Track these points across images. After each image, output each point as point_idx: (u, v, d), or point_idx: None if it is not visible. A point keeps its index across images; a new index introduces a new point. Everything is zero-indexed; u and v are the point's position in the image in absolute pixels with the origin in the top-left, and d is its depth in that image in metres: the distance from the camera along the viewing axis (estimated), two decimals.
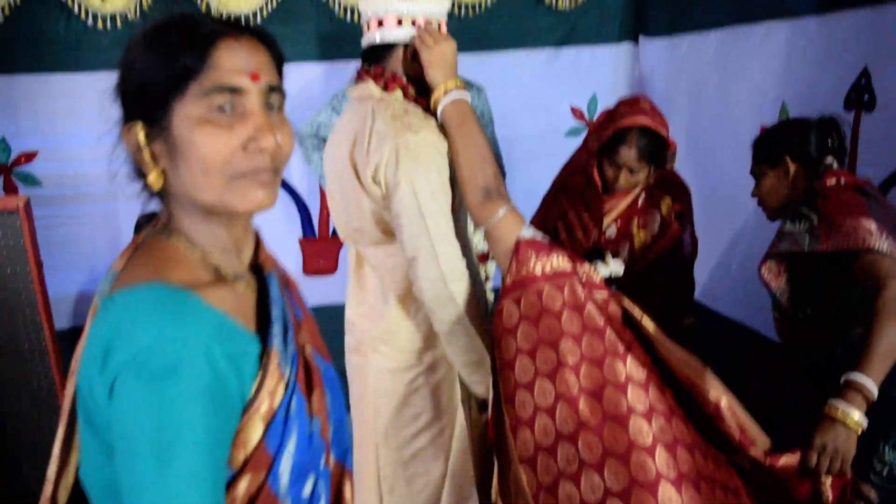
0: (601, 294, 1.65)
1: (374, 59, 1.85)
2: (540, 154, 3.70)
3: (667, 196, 2.50)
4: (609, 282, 1.87)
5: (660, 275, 2.47)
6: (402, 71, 1.83)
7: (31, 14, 2.98)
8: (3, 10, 2.91)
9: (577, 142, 3.81)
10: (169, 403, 0.82)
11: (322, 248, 3.56)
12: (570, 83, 3.80)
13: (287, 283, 1.19)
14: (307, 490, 1.01)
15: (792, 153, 2.09)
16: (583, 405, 1.48)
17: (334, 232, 3.55)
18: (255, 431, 0.92)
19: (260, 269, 1.10)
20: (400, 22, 1.79)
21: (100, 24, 2.99)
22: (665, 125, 2.35)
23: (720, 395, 1.53)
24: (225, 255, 1.04)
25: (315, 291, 3.57)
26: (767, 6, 3.05)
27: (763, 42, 3.10)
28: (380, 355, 1.92)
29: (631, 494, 1.40)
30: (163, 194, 1.01)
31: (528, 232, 1.69)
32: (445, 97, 1.75)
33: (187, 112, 0.93)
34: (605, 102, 3.85)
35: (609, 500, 1.42)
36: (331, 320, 3.55)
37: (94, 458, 0.93)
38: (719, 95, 3.38)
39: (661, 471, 1.41)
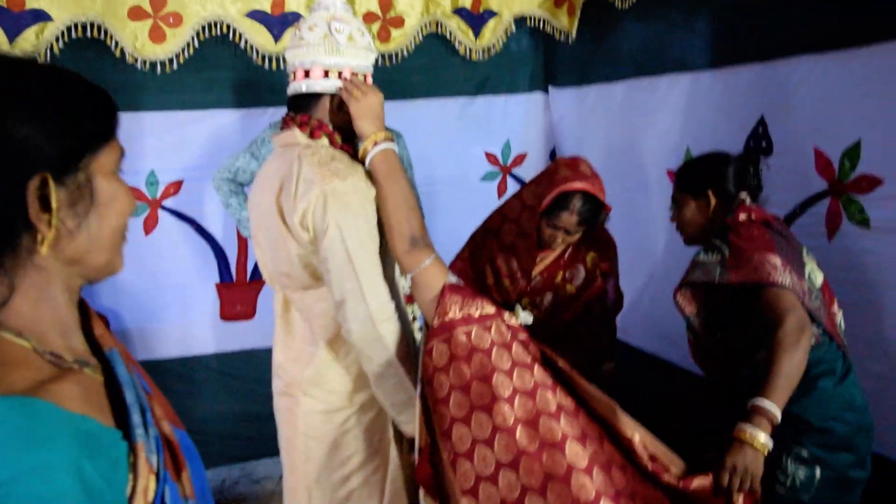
0: (523, 335, 1.73)
1: (300, 107, 1.89)
2: (457, 197, 3.81)
3: (592, 251, 2.58)
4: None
5: (583, 324, 2.54)
6: (328, 119, 1.88)
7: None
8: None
9: (492, 186, 3.95)
10: None
11: (240, 293, 3.53)
12: (484, 130, 3.93)
13: (127, 357, 1.02)
14: None
15: (715, 188, 2.22)
16: (520, 434, 1.55)
17: (252, 277, 3.53)
18: None
19: (97, 346, 0.98)
20: (327, 73, 1.84)
21: None
22: (603, 189, 2.37)
23: (633, 431, 1.63)
24: (64, 338, 0.91)
25: (233, 337, 3.55)
26: (667, 61, 3.25)
27: (666, 93, 3.28)
28: (310, 398, 1.93)
29: None
30: (9, 269, 0.86)
31: (453, 279, 1.76)
32: (374, 148, 1.80)
33: (103, 164, 0.91)
34: (518, 148, 3.99)
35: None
36: (248, 365, 3.56)
37: None
38: (627, 142, 3.54)
39: (599, 489, 1.49)
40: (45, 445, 0.73)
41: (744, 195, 2.20)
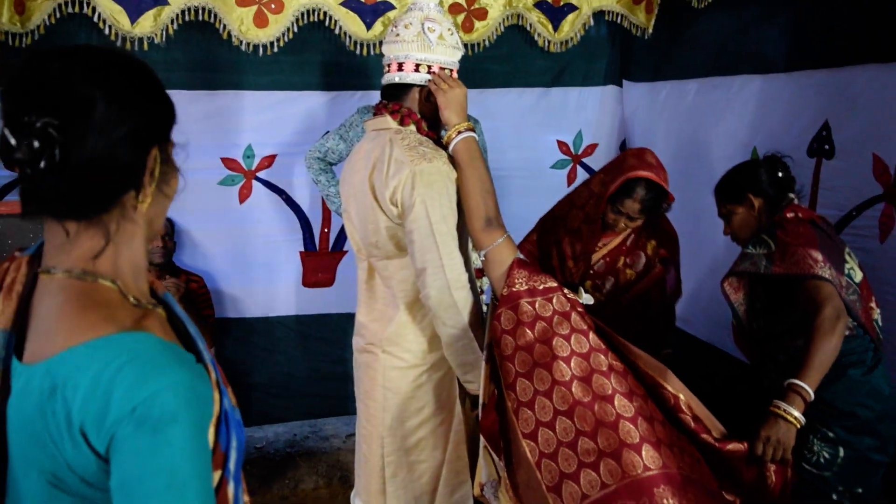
0: (580, 307, 1.94)
1: (393, 96, 2.13)
2: (528, 183, 4.00)
3: (654, 239, 2.75)
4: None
5: (641, 309, 2.73)
6: (416, 108, 2.11)
7: (64, 33, 3.21)
8: (38, 28, 3.14)
9: (562, 174, 4.12)
10: (177, 449, 0.88)
11: (321, 261, 3.79)
12: (558, 120, 4.09)
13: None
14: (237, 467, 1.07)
15: (752, 190, 2.40)
16: (575, 387, 1.77)
17: (333, 247, 3.80)
18: (212, 437, 0.96)
19: (153, 291, 1.11)
20: (418, 67, 2.07)
21: (127, 45, 3.22)
22: (667, 180, 2.58)
23: (679, 391, 1.82)
24: (137, 284, 1.03)
25: (312, 302, 3.82)
26: (743, 61, 3.36)
27: (738, 93, 3.40)
28: (389, 354, 2.17)
29: (621, 454, 1.68)
30: (109, 222, 0.99)
31: (521, 256, 1.97)
32: (457, 136, 2.03)
33: (171, 147, 1.07)
34: (590, 139, 4.15)
35: (602, 460, 1.70)
36: (325, 329, 3.82)
37: None
38: (695, 138, 3.67)
39: (643, 436, 1.70)
40: (170, 368, 0.91)
41: (791, 196, 2.37)
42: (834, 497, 2.17)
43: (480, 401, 1.99)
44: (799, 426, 1.93)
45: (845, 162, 2.79)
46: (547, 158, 4.13)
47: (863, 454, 2.15)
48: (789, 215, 2.29)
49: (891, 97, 2.61)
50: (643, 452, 1.69)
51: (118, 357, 0.89)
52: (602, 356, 1.83)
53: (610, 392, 1.77)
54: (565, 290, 1.95)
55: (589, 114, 4.14)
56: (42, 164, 0.91)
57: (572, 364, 1.81)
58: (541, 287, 1.92)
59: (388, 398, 2.18)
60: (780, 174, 2.40)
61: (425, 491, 2.22)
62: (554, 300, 1.91)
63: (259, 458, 3.67)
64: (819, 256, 2.12)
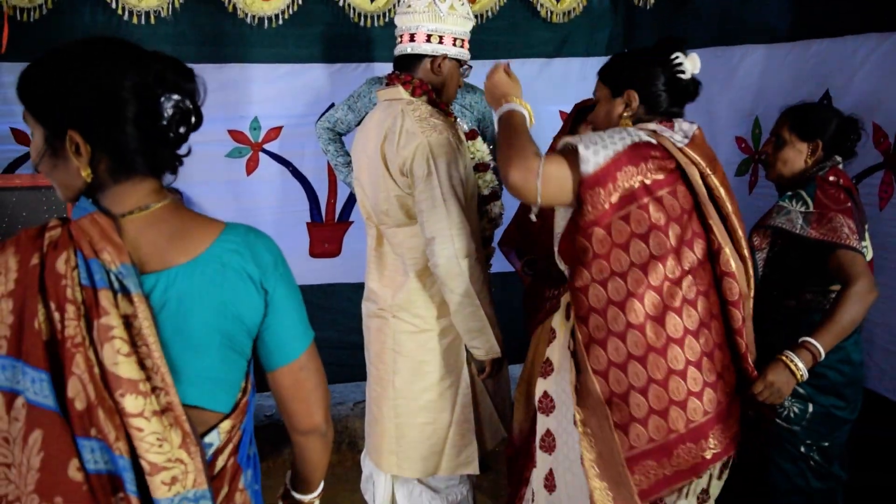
0: (662, 191, 1.87)
1: (404, 67, 2.17)
2: None
3: None
4: None
5: None
6: (428, 79, 2.15)
7: (71, 8, 3.24)
8: (46, 3, 3.16)
9: None
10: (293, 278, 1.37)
11: (328, 232, 3.84)
12: (561, 90, 4.11)
13: None
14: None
15: (824, 138, 2.34)
16: (649, 330, 1.84)
17: (339, 218, 3.84)
18: None
19: None
20: (429, 38, 2.12)
21: (134, 20, 3.25)
22: None
23: (746, 317, 1.97)
24: None
25: (320, 272, 3.86)
26: (745, 31, 3.39)
27: (740, 62, 3.43)
28: (399, 319, 2.24)
29: (686, 403, 1.85)
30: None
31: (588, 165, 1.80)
32: (498, 111, 2.05)
33: None
34: None
35: (671, 406, 1.84)
36: (332, 298, 3.88)
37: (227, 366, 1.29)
38: (699, 107, 3.68)
39: (706, 380, 1.87)
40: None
41: (838, 158, 2.36)
42: (802, 449, 2.29)
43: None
44: (799, 379, 2.02)
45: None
46: (549, 129, 4.15)
47: (829, 411, 2.26)
48: (831, 178, 2.29)
49: (890, 66, 2.65)
50: (704, 398, 1.85)
51: (244, 231, 1.28)
52: (676, 287, 1.85)
53: (681, 334, 1.84)
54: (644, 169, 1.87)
55: (591, 84, 4.14)
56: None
57: (646, 302, 1.84)
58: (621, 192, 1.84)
59: (398, 361, 2.25)
60: (852, 138, 2.36)
61: (433, 451, 2.30)
62: (631, 216, 1.85)
63: (269, 424, 3.75)
64: (853, 226, 2.16)
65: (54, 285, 1.14)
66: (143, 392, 1.13)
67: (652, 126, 1.92)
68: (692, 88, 2.04)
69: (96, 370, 1.13)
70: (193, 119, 1.24)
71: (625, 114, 2.01)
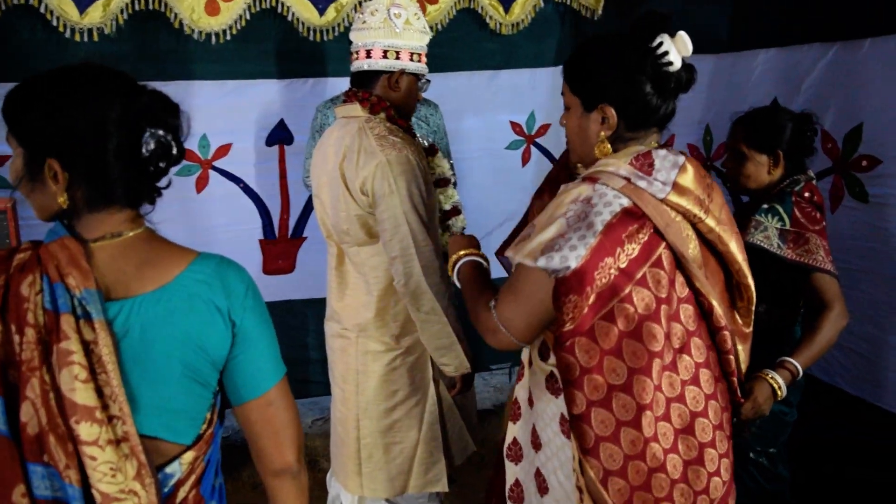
0: (643, 269, 1.55)
1: (361, 83, 2.15)
2: (485, 164, 4.05)
3: None
4: None
5: None
6: (386, 95, 2.13)
7: (10, 25, 3.14)
8: None
9: (517, 154, 4.18)
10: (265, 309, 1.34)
11: (281, 249, 3.78)
12: (510, 101, 4.13)
13: None
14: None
15: (782, 147, 2.29)
16: (661, 433, 1.57)
17: (293, 234, 3.79)
18: None
19: None
20: (385, 54, 2.10)
21: (77, 37, 3.16)
22: None
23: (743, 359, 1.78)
24: None
25: (274, 289, 3.80)
26: (694, 42, 3.42)
27: None
28: (363, 339, 2.21)
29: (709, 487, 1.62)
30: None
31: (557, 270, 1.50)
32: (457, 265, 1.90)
33: None
34: (542, 119, 4.20)
35: (699, 497, 1.61)
36: (287, 315, 3.83)
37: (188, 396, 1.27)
38: None
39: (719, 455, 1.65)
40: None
41: (811, 173, 2.34)
42: (751, 455, 2.36)
43: None
44: (780, 397, 2.07)
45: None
46: (501, 140, 4.17)
47: (777, 416, 2.30)
48: (806, 194, 2.27)
49: (834, 75, 2.73)
50: (721, 469, 1.64)
51: (216, 262, 1.28)
52: (673, 374, 1.58)
53: (688, 421, 1.59)
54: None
55: (541, 94, 4.18)
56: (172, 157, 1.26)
57: (656, 409, 1.56)
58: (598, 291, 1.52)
59: (363, 382, 2.22)
60: (809, 136, 2.33)
61: (401, 471, 2.27)
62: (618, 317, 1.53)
63: (225, 446, 3.64)
64: (828, 247, 2.20)
65: (16, 308, 1.14)
66: (99, 420, 1.12)
67: (622, 170, 1.55)
68: (685, 78, 1.59)
69: (51, 395, 1.12)
70: (175, 153, 1.25)
71: (602, 133, 1.63)
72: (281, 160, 3.67)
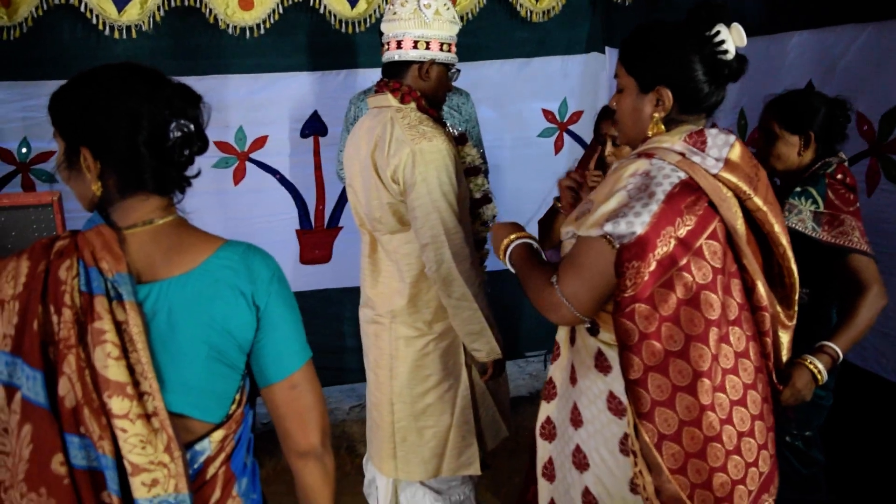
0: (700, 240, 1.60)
1: (393, 74, 2.18)
2: (517, 152, 4.07)
3: None
4: None
5: None
6: (416, 85, 2.16)
7: (52, 24, 3.23)
8: (26, 21, 3.15)
9: (549, 142, 4.19)
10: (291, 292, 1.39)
11: (318, 239, 3.85)
12: (543, 88, 4.14)
13: None
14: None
15: (815, 129, 2.29)
16: (717, 403, 1.61)
17: (328, 224, 3.85)
18: None
19: None
20: (416, 44, 2.13)
21: (115, 34, 3.24)
22: None
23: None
24: None
25: (311, 278, 3.88)
26: None
27: None
28: (396, 325, 2.26)
29: (745, 478, 1.65)
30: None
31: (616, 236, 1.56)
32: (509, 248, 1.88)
33: None
34: (575, 106, 4.21)
35: (750, 469, 1.65)
36: (324, 304, 3.89)
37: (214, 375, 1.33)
38: None
39: (759, 444, 1.68)
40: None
41: (843, 156, 2.33)
42: (787, 439, 2.35)
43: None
44: (821, 381, 2.04)
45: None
46: (534, 127, 4.18)
47: (813, 400, 2.23)
48: (839, 176, 2.26)
49: (868, 56, 2.69)
50: (769, 443, 1.70)
51: (243, 249, 1.34)
52: (727, 346, 1.62)
53: (741, 394, 1.64)
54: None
55: (573, 81, 4.19)
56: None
57: (714, 376, 1.59)
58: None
59: (397, 367, 2.27)
60: (841, 122, 2.32)
61: (434, 454, 2.32)
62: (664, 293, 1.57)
63: (266, 432, 3.72)
64: (863, 228, 2.18)
65: (55, 290, 1.22)
66: (130, 395, 1.19)
67: (678, 146, 1.61)
68: (737, 67, 1.67)
69: (86, 371, 1.20)
70: (199, 143, 1.32)
71: (655, 114, 1.68)
72: (315, 151, 3.74)
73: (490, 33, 3.91)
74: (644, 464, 1.62)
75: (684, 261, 1.55)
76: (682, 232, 1.54)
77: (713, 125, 1.74)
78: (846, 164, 2.32)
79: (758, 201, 1.64)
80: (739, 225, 1.64)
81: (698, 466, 1.59)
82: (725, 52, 1.62)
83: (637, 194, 1.55)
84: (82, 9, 3.16)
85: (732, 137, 1.65)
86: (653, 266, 1.53)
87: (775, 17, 3.14)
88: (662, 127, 1.68)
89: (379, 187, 2.12)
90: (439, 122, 2.19)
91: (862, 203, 2.68)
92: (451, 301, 2.13)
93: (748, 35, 3.07)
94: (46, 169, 3.39)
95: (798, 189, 2.25)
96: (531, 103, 4.14)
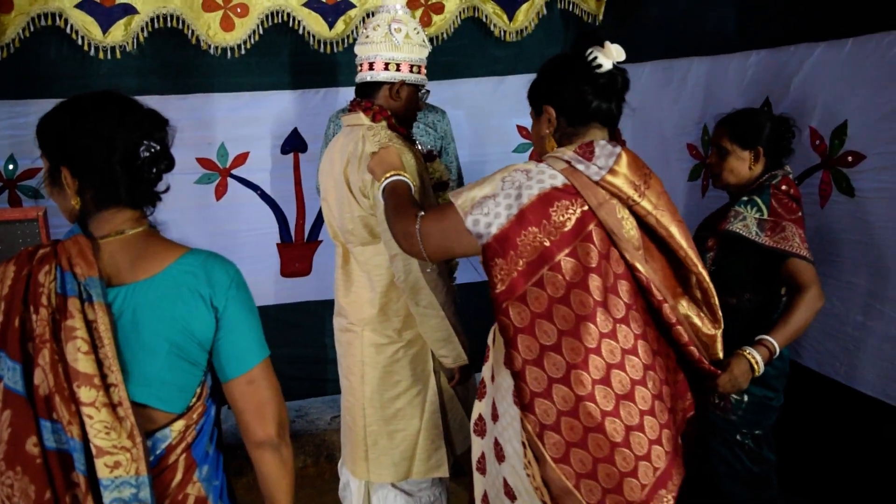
0: (573, 244, 1.72)
1: (365, 94, 2.30)
2: (492, 167, 4.13)
3: None
4: None
5: None
6: (387, 105, 2.28)
7: (39, 46, 3.33)
8: (13, 42, 3.25)
9: (524, 157, 4.29)
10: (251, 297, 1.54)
11: (298, 252, 3.94)
12: (516, 106, 4.23)
13: None
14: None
15: (763, 144, 2.47)
16: (599, 396, 1.69)
17: (308, 238, 3.95)
18: None
19: None
20: (387, 66, 2.25)
21: (101, 55, 3.34)
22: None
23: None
24: None
25: (291, 291, 3.97)
26: (690, 44, 3.57)
27: (688, 73, 3.61)
28: (367, 333, 2.36)
29: (637, 470, 1.71)
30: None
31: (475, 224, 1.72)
32: (383, 182, 2.06)
33: None
34: None
35: (625, 480, 1.70)
36: (304, 315, 3.98)
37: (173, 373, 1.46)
38: (654, 116, 3.87)
39: (651, 439, 1.74)
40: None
41: (788, 168, 2.51)
42: (738, 437, 2.47)
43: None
44: (757, 373, 2.16)
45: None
46: (510, 143, 4.30)
47: (762, 401, 2.44)
48: (784, 187, 2.43)
49: (820, 73, 2.82)
50: (663, 439, 1.75)
51: (204, 256, 1.48)
52: (612, 342, 1.71)
53: (629, 389, 1.71)
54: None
55: None
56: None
57: (591, 369, 1.69)
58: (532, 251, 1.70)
59: (368, 373, 2.37)
60: (788, 137, 2.51)
61: (405, 457, 2.42)
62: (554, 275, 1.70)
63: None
64: (804, 235, 2.33)
65: (34, 292, 1.38)
66: (97, 385, 1.34)
67: (567, 155, 1.77)
68: (619, 80, 1.84)
69: (59, 364, 1.35)
70: (165, 161, 1.49)
71: (546, 132, 1.90)
72: (296, 167, 3.84)
73: (466, 52, 4.03)
74: (532, 454, 1.74)
75: (555, 260, 1.68)
76: (555, 235, 1.68)
77: (615, 138, 1.90)
78: (791, 176, 2.48)
79: (646, 205, 1.77)
80: (627, 229, 1.75)
81: (581, 456, 1.69)
82: (600, 66, 1.80)
83: (507, 189, 1.71)
84: (68, 30, 3.27)
85: (619, 149, 1.78)
86: (521, 265, 1.67)
87: (736, 37, 3.28)
88: (554, 143, 1.88)
89: (351, 201, 2.22)
90: (409, 139, 2.30)
91: (815, 214, 2.82)
92: (419, 309, 2.23)
93: (712, 54, 3.22)
94: (32, 185, 3.48)
95: (745, 198, 2.42)
96: (507, 120, 4.25)
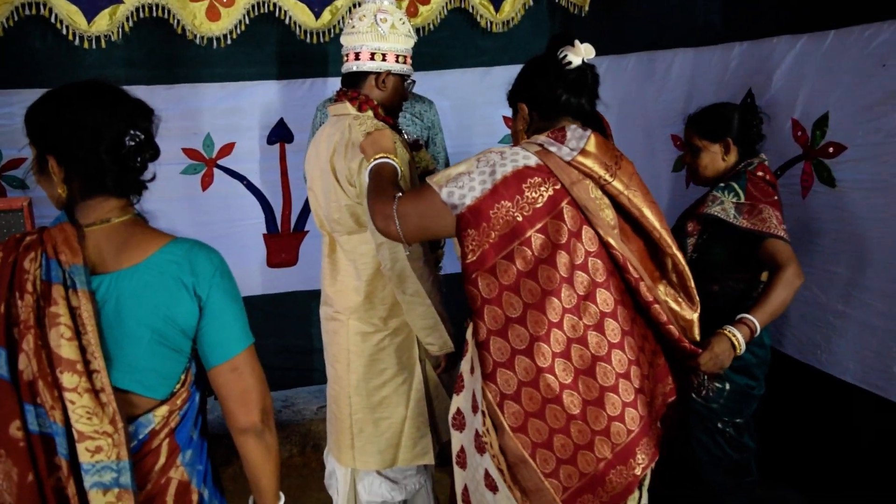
0: (544, 220, 1.80)
1: (351, 84, 2.31)
2: None
3: None
4: None
5: None
6: (373, 95, 2.29)
7: (23, 35, 3.31)
8: None
9: None
10: (236, 286, 1.55)
11: (284, 242, 3.95)
12: (502, 96, 4.26)
13: None
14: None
15: (733, 135, 2.55)
16: (559, 369, 1.77)
17: (295, 228, 3.96)
18: None
19: None
20: (373, 56, 2.26)
21: (85, 44, 3.33)
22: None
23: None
24: None
25: (278, 281, 3.98)
26: (674, 36, 3.60)
27: (672, 65, 3.64)
28: (353, 322, 2.37)
29: (609, 429, 1.79)
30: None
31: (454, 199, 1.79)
32: (371, 163, 2.07)
33: None
34: None
35: (596, 437, 1.79)
36: (293, 305, 3.99)
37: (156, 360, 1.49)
38: (638, 107, 3.90)
39: (624, 401, 1.81)
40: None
41: (763, 156, 2.57)
42: (719, 425, 2.52)
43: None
44: (738, 352, 2.19)
45: (767, 126, 3.02)
46: (497, 133, 4.31)
47: (743, 389, 2.49)
48: (759, 173, 2.50)
49: (802, 65, 2.86)
50: (626, 417, 1.80)
51: (188, 245, 1.50)
52: (575, 317, 1.78)
53: (590, 363, 1.78)
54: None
55: None
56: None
57: (552, 341, 1.76)
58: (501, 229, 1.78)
59: (353, 361, 2.39)
60: (755, 124, 2.59)
61: (390, 444, 2.44)
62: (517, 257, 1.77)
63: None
64: (780, 217, 2.38)
65: (20, 278, 1.40)
66: (80, 371, 1.36)
67: (541, 139, 1.85)
68: (589, 76, 1.96)
69: (43, 350, 1.37)
70: (150, 150, 1.50)
71: (519, 128, 2.04)
72: (282, 158, 3.85)
73: (452, 43, 4.03)
74: (490, 423, 1.79)
75: (526, 235, 1.76)
76: (528, 210, 1.76)
77: (603, 131, 2.02)
78: (766, 163, 2.55)
79: (618, 185, 1.85)
80: (603, 209, 1.82)
81: (538, 426, 1.76)
82: (570, 63, 1.92)
83: (482, 167, 1.79)
84: (53, 20, 3.24)
85: (589, 132, 1.86)
86: (493, 238, 1.75)
87: (720, 29, 3.31)
88: (526, 138, 1.96)
89: (337, 190, 2.23)
90: (395, 129, 2.31)
91: (797, 205, 2.86)
92: (406, 297, 2.25)
93: (698, 45, 3.26)
94: (17, 175, 3.47)
95: (722, 184, 2.49)
96: (493, 110, 4.26)
